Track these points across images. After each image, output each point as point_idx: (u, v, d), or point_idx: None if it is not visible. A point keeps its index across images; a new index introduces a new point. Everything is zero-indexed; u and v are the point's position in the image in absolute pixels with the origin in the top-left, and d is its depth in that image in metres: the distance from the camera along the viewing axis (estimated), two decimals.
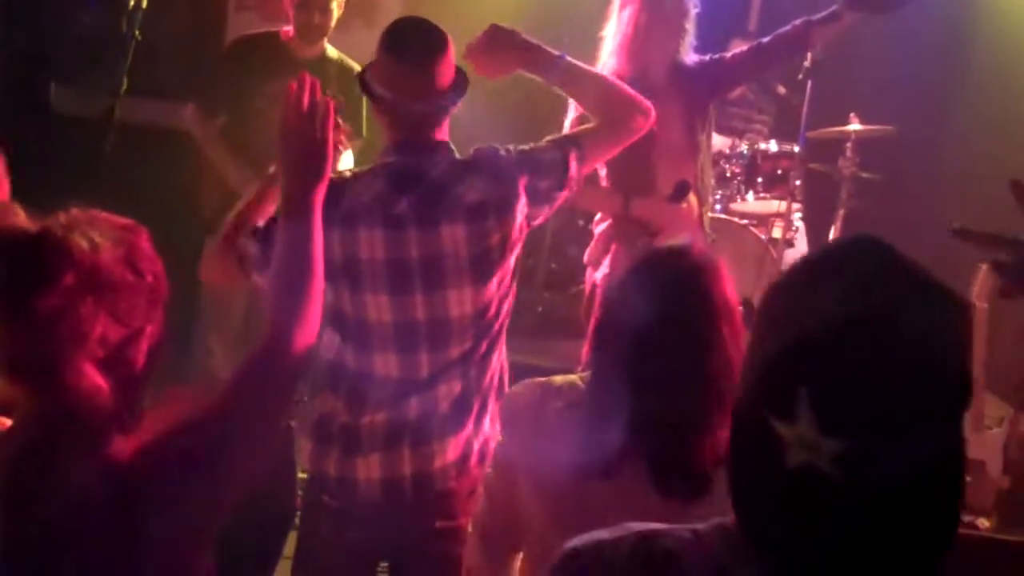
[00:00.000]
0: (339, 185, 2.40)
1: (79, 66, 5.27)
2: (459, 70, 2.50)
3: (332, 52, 4.29)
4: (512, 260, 2.52)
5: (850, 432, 1.01)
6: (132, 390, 1.56)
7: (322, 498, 2.50)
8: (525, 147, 2.55)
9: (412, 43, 2.44)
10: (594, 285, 3.75)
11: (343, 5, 4.18)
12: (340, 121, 2.34)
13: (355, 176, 2.48)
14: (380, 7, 5.54)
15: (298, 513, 2.74)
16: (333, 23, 4.17)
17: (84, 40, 5.26)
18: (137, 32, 3.46)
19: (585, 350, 2.00)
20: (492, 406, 2.53)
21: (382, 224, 2.40)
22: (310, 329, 1.79)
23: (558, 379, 1.98)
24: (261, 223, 2.43)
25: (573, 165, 2.55)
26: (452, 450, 2.47)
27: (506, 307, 2.55)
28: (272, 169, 2.49)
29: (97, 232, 1.51)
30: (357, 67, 4.25)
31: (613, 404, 1.76)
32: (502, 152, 2.51)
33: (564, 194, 2.57)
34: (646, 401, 1.76)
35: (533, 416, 1.92)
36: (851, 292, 1.04)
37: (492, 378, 2.55)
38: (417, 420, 2.45)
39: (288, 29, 4.19)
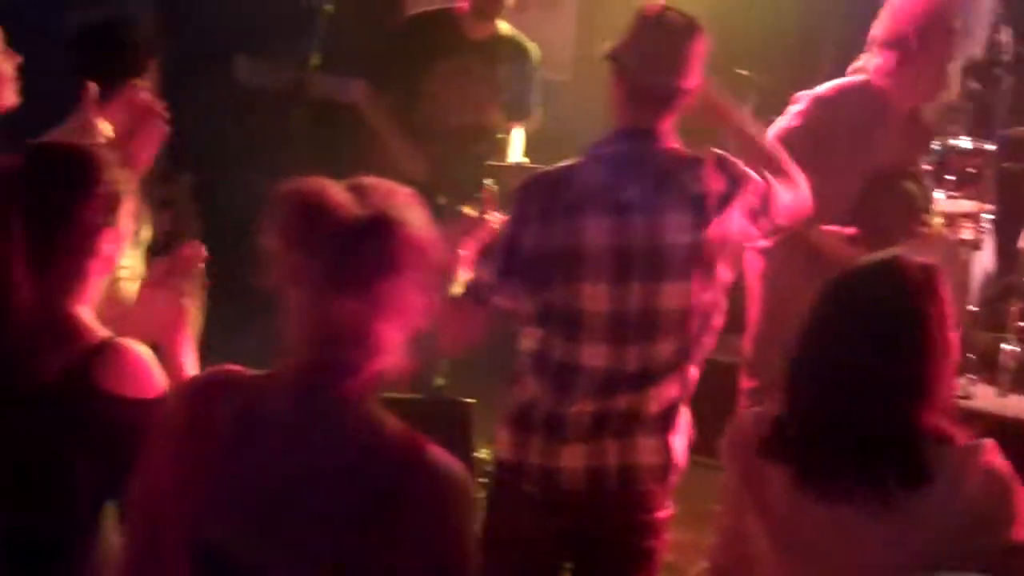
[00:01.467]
0: (556, 177, 2.46)
1: (264, 38, 5.40)
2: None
3: (506, 29, 4.24)
4: (724, 268, 2.50)
5: None
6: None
7: (521, 486, 2.51)
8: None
9: (677, 20, 2.46)
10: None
11: None
12: None
13: (574, 167, 2.48)
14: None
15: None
16: (511, 2, 4.12)
17: (269, 12, 5.38)
18: (327, 7, 3.48)
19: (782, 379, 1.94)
20: (686, 413, 2.55)
21: (609, 211, 2.40)
22: None
23: (769, 407, 1.96)
24: (478, 251, 2.52)
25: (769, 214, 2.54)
26: (657, 448, 2.50)
27: (715, 314, 2.52)
28: (471, 210, 2.66)
29: (407, 209, 1.60)
30: (533, 47, 4.23)
31: (820, 430, 1.80)
32: (730, 157, 2.51)
33: (759, 230, 2.54)
34: (853, 423, 1.79)
35: (753, 446, 1.91)
36: None
37: (691, 383, 2.53)
38: (624, 413, 2.46)
39: (463, 5, 4.15)
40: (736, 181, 2.49)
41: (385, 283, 1.56)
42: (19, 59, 2.36)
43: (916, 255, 1.91)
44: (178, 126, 2.91)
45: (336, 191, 1.59)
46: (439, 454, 1.61)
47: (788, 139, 3.47)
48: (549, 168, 2.52)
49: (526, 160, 4.05)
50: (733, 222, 2.47)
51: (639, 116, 2.48)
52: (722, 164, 2.50)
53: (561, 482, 2.49)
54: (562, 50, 5.38)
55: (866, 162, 3.48)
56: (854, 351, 1.80)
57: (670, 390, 2.50)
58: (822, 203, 3.51)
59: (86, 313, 1.92)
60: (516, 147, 4.25)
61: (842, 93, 3.55)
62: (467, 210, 2.64)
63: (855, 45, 3.72)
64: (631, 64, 2.47)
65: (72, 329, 1.88)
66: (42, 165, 1.92)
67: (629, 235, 2.41)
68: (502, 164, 4.07)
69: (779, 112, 3.60)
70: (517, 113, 4.26)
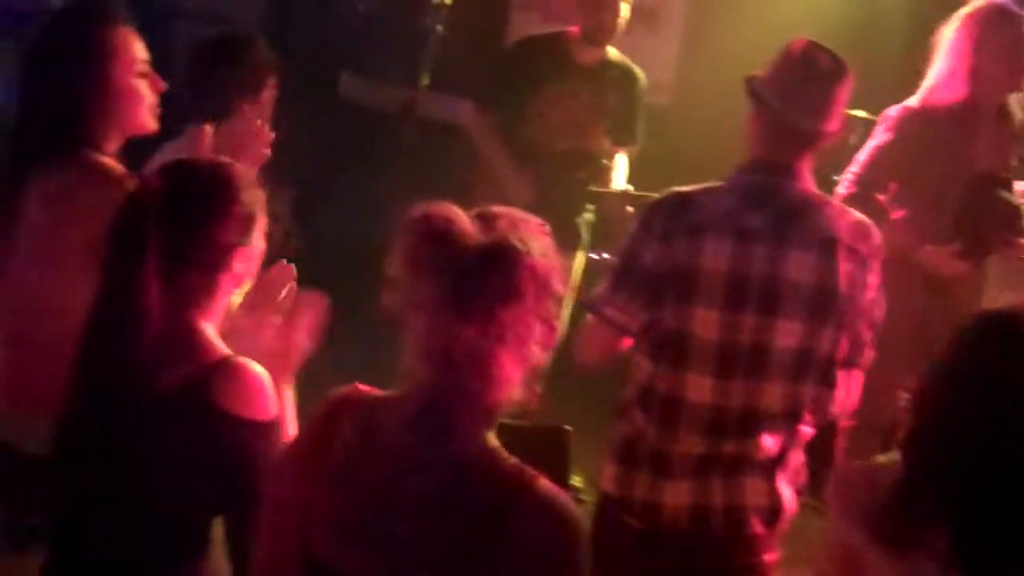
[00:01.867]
0: (686, 198, 2.44)
1: (371, 56, 5.44)
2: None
3: (614, 55, 4.22)
4: (843, 319, 2.41)
5: None
6: (531, 383, 1.64)
7: (624, 519, 2.48)
8: None
9: (823, 60, 2.41)
10: None
11: (630, 9, 4.10)
12: None
13: (705, 191, 2.46)
14: (663, 13, 5.42)
15: None
16: (621, 26, 4.09)
17: (377, 31, 5.43)
18: (440, 28, 3.47)
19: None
20: (798, 460, 2.49)
21: (732, 236, 2.37)
22: None
23: (882, 459, 1.85)
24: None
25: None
26: (766, 491, 2.44)
27: (832, 361, 2.43)
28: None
29: (531, 238, 1.60)
30: (640, 73, 4.20)
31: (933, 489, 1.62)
32: (867, 226, 2.45)
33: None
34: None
35: (867, 498, 1.77)
36: None
37: (806, 430, 2.47)
38: (731, 452, 2.41)
39: (573, 29, 4.12)
40: (867, 234, 2.43)
41: (506, 311, 1.55)
42: (163, 86, 2.38)
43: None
44: (283, 142, 2.92)
45: (462, 218, 1.59)
46: (549, 489, 1.59)
47: (884, 155, 3.43)
48: (682, 188, 2.49)
49: (630, 187, 4.02)
50: (866, 272, 2.41)
51: (777, 152, 2.44)
52: (864, 232, 2.43)
53: (665, 519, 2.45)
54: (664, 73, 5.34)
55: (963, 171, 3.43)
56: None
57: (779, 434, 2.43)
58: (923, 216, 3.46)
59: (210, 329, 1.94)
60: (620, 173, 4.21)
61: (930, 103, 3.51)
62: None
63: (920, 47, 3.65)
64: (774, 103, 2.41)
65: (196, 344, 1.90)
66: (182, 183, 1.93)
67: (748, 263, 2.37)
68: (605, 190, 4.03)
69: None
70: (623, 139, 4.24)
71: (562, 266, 1.63)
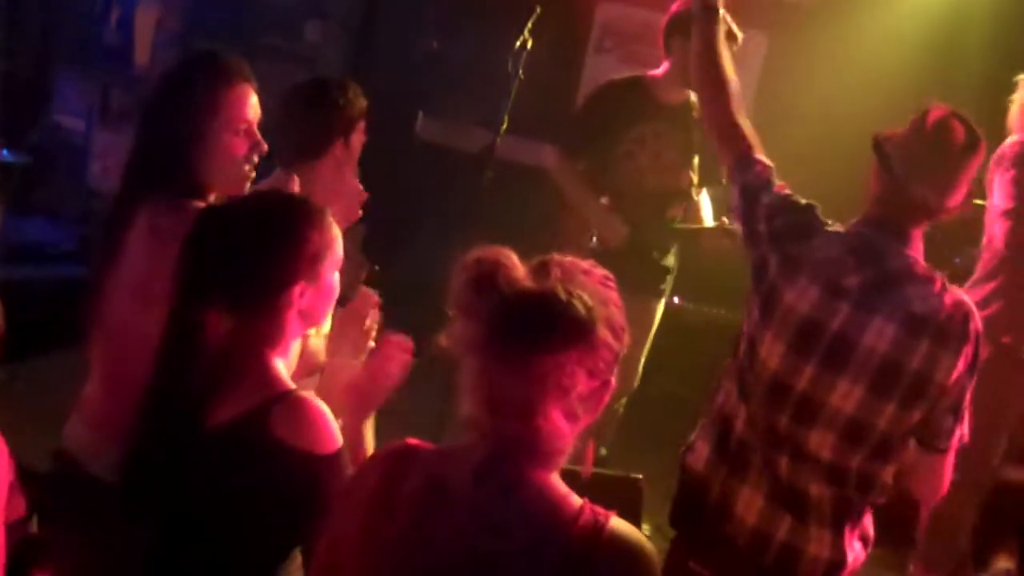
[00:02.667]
0: (811, 229, 2.43)
1: (449, 99, 5.50)
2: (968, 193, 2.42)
3: (695, 96, 4.20)
4: (913, 398, 2.34)
5: None
6: (583, 436, 1.62)
7: (691, 565, 2.47)
8: None
9: (957, 133, 2.35)
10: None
11: None
12: None
13: (828, 232, 2.44)
14: (744, 55, 5.41)
15: None
16: None
17: (452, 73, 5.49)
18: (521, 72, 3.50)
19: None
20: (866, 526, 2.44)
21: (823, 285, 2.35)
22: None
23: None
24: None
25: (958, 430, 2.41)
26: (828, 544, 2.39)
27: (890, 440, 2.37)
28: None
29: (587, 292, 1.56)
30: None
31: None
32: (966, 308, 2.36)
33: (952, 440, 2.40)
34: None
35: None
36: None
37: (868, 499, 2.42)
38: (787, 487, 2.39)
39: (655, 73, 4.14)
40: (963, 333, 2.33)
41: (544, 361, 1.53)
42: (265, 148, 2.42)
43: None
44: (360, 180, 2.95)
45: (512, 263, 1.58)
46: (623, 528, 1.57)
47: None
48: (817, 219, 2.47)
49: (724, 220, 4.05)
50: (949, 364, 2.32)
51: (893, 215, 2.39)
52: (959, 304, 2.35)
53: (728, 551, 2.43)
54: None
55: None
56: None
57: (833, 486, 2.38)
58: None
59: (280, 365, 1.93)
60: (707, 211, 4.23)
61: None
62: None
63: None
64: (900, 170, 2.35)
65: (260, 377, 1.89)
66: (244, 218, 1.94)
67: (828, 316, 2.33)
68: (691, 227, 4.03)
69: None
70: (708, 180, 4.23)
71: (622, 321, 1.59)
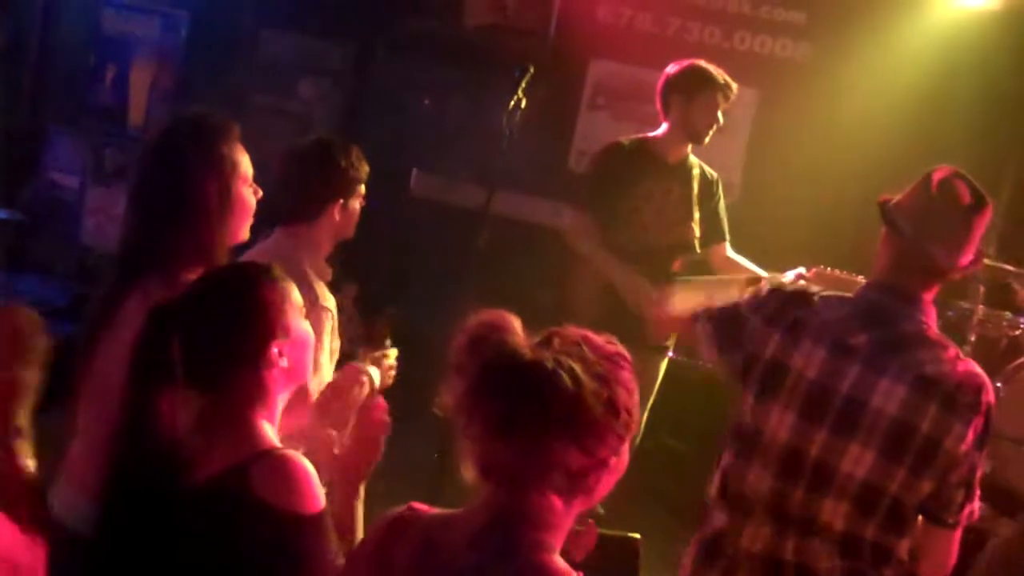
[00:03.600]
0: (807, 297, 2.42)
1: (441, 155, 5.51)
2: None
3: (692, 158, 4.34)
4: (924, 465, 2.28)
5: None
6: (582, 514, 1.59)
7: None
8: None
9: (963, 192, 2.33)
10: None
11: None
12: None
13: (826, 296, 2.43)
14: (734, 118, 5.47)
15: None
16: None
17: (447, 131, 5.52)
18: (513, 131, 3.52)
19: None
20: None
21: (830, 345, 2.33)
22: None
23: None
24: (718, 306, 2.53)
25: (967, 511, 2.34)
26: None
27: (902, 509, 2.31)
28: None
29: (583, 366, 1.53)
30: (715, 174, 4.39)
31: None
32: (979, 380, 2.30)
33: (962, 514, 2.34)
34: None
35: None
36: None
37: (882, 573, 2.35)
38: (795, 563, 2.35)
39: (656, 135, 4.23)
40: (974, 403, 2.27)
41: (529, 430, 1.51)
42: (260, 194, 2.40)
43: None
44: (353, 236, 2.94)
45: (512, 328, 1.57)
46: None
47: None
48: (812, 287, 2.48)
49: (759, 270, 4.16)
50: (960, 429, 2.26)
51: (904, 279, 2.36)
52: (970, 373, 2.29)
53: None
54: (732, 174, 5.38)
55: None
56: None
57: (843, 559, 2.33)
58: None
59: (265, 425, 1.91)
60: (747, 263, 4.35)
61: None
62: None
63: None
64: (908, 230, 2.33)
65: (242, 436, 1.87)
66: (206, 285, 1.96)
67: (837, 378, 2.31)
68: (692, 278, 4.05)
69: None
70: (713, 238, 4.36)
71: (629, 402, 1.55)
